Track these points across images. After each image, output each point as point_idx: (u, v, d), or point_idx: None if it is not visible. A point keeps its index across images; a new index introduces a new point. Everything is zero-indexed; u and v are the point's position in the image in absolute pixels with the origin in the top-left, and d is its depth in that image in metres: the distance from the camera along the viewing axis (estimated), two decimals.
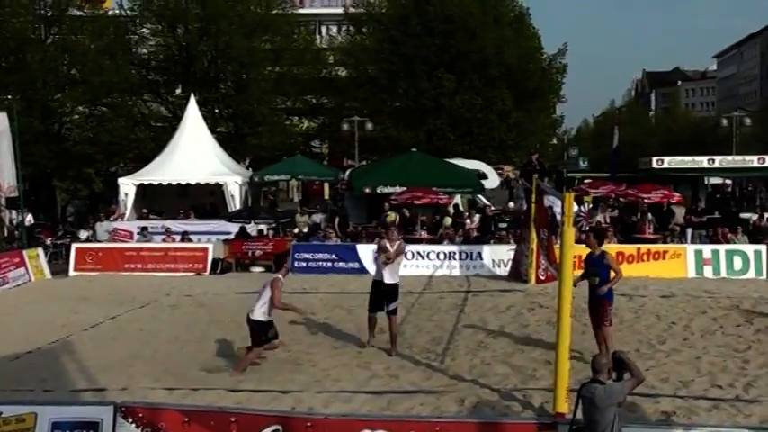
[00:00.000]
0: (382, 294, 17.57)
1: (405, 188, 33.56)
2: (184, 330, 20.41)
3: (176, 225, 35.41)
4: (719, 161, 43.76)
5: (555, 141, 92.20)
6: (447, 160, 41.85)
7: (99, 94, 48.51)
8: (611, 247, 28.34)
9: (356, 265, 29.97)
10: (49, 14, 48.81)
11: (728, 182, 51.88)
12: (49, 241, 35.52)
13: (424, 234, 32.22)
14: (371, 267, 28.44)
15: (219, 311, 22.86)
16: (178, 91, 54.38)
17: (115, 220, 37.33)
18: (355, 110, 55.18)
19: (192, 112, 41.79)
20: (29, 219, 38.86)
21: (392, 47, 53.15)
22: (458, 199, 37.09)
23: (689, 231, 32.78)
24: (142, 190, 38.94)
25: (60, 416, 11.33)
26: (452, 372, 15.79)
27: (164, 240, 33.45)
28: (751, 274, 28.43)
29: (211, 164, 39.60)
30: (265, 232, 34.12)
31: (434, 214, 34.83)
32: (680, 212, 33.48)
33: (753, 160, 43.97)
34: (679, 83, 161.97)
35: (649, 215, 31.59)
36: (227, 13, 51.46)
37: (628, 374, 9.84)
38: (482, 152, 51.52)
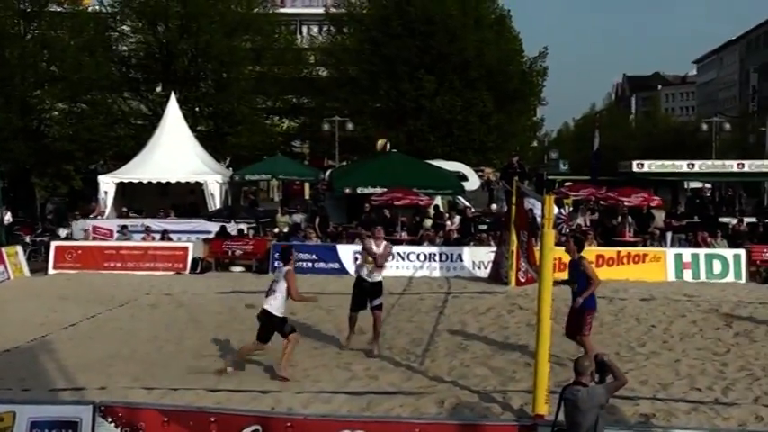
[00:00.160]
0: (365, 292, 17.50)
1: (385, 189, 33.55)
2: (164, 330, 20.33)
3: (156, 224, 35.29)
4: (699, 165, 44.04)
5: (535, 144, 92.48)
6: (427, 161, 41.86)
7: (78, 91, 48.27)
8: (592, 250, 28.52)
9: (336, 265, 29.95)
10: (28, 10, 48.44)
11: (708, 186, 52.10)
12: (28, 239, 35.34)
13: (404, 235, 32.22)
14: (352, 268, 28.58)
15: (199, 311, 22.83)
16: (158, 89, 54.19)
17: (95, 218, 37.17)
18: (336, 110, 55.19)
19: (173, 111, 41.64)
20: (8, 216, 38.61)
21: (373, 47, 53.17)
22: (438, 200, 37.14)
23: (668, 235, 32.88)
24: (122, 188, 38.76)
25: (39, 415, 11.25)
26: (432, 373, 15.79)
27: (143, 239, 33.32)
28: (730, 277, 28.60)
29: (192, 163, 39.47)
30: (245, 232, 34.04)
31: (414, 215, 34.85)
32: (660, 216, 33.59)
33: (732, 165, 44.33)
34: (659, 87, 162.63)
35: (629, 218, 31.68)
36: (208, 12, 51.38)
37: (610, 377, 9.85)
38: (462, 154, 51.60)
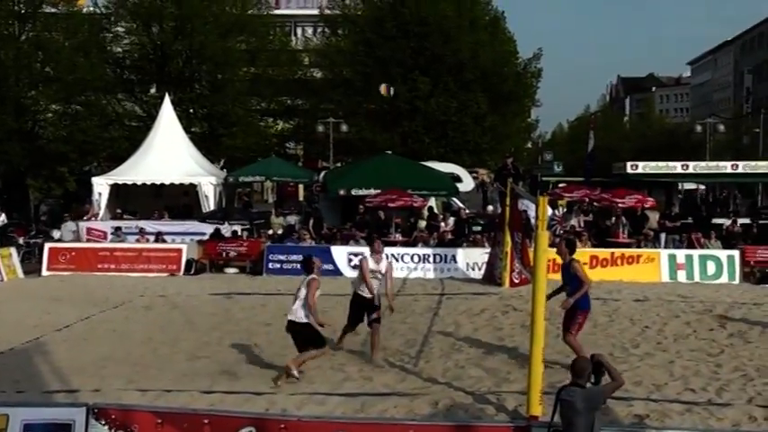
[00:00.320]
0: (364, 307, 17.23)
1: (379, 190, 33.54)
2: (158, 331, 20.31)
3: (150, 225, 35.27)
4: (693, 167, 44.08)
5: (530, 145, 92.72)
6: (422, 163, 41.84)
7: (73, 92, 48.20)
8: (586, 251, 28.61)
9: (330, 266, 29.86)
10: (22, 11, 48.39)
11: (702, 187, 52.23)
12: (21, 240, 35.27)
13: (398, 237, 32.22)
14: (346, 269, 28.64)
15: (193, 312, 22.81)
16: (153, 90, 54.16)
17: (89, 219, 37.12)
18: (330, 111, 55.18)
19: (167, 112, 41.63)
20: (2, 218, 38.61)
21: (367, 49, 53.14)
22: (432, 202, 37.16)
23: (662, 236, 32.92)
24: (116, 189, 38.70)
25: (32, 417, 11.22)
26: (426, 374, 15.78)
27: (137, 241, 33.29)
28: (724, 278, 28.66)
29: (186, 164, 39.45)
30: (240, 233, 34.03)
31: (409, 217, 34.88)
32: (654, 217, 33.65)
33: (726, 166, 44.34)
34: (653, 89, 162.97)
35: (623, 220, 31.71)
36: (203, 13, 51.38)
37: (605, 378, 9.84)
38: (457, 155, 51.56)
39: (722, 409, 13.54)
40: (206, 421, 11.09)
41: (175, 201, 40.25)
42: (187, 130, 45.29)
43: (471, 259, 29.77)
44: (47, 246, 32.01)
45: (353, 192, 35.35)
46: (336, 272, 29.27)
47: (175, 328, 20.70)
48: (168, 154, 39.24)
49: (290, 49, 62.21)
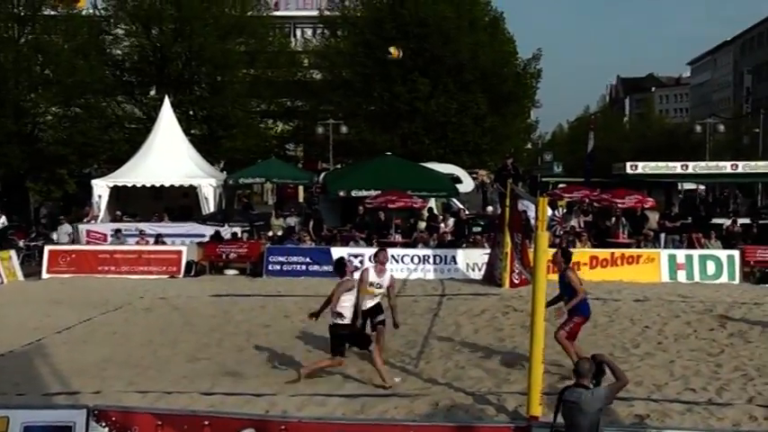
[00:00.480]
0: (368, 313, 16.95)
1: (379, 192, 33.55)
2: (158, 333, 20.31)
3: (150, 227, 35.29)
4: (693, 167, 44.09)
5: (529, 146, 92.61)
6: (421, 164, 41.84)
7: (72, 95, 48.12)
8: (586, 252, 28.67)
9: (330, 268, 29.71)
10: (22, 14, 48.34)
11: (702, 187, 52.21)
12: (21, 243, 35.26)
13: (398, 238, 32.21)
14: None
15: (193, 314, 22.81)
16: (152, 92, 54.10)
17: (89, 221, 37.11)
18: (330, 113, 55.21)
19: (167, 114, 41.64)
20: (2, 220, 38.61)
21: (367, 50, 53.10)
22: (432, 203, 37.17)
23: (662, 236, 32.93)
24: (116, 192, 38.69)
25: (33, 420, 11.23)
26: (426, 375, 15.78)
27: (137, 243, 33.28)
28: (724, 278, 28.69)
29: (185, 166, 39.46)
30: (239, 235, 34.02)
31: (409, 218, 34.88)
32: (654, 217, 33.66)
33: (726, 166, 44.36)
34: (653, 89, 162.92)
35: (623, 220, 31.71)
36: (202, 15, 51.33)
37: (605, 378, 9.82)
38: (457, 156, 51.55)
39: (722, 409, 13.54)
40: (206, 423, 11.10)
41: (175, 203, 40.24)
42: (187, 132, 45.30)
43: (471, 260, 29.78)
44: (47, 248, 32.01)
45: (353, 193, 35.36)
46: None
47: (175, 330, 20.70)
48: (168, 156, 39.25)
49: (289, 51, 62.24)
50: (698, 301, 24.46)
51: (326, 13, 61.09)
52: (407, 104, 52.18)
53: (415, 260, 30.05)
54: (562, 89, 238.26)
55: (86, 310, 23.36)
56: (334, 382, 15.27)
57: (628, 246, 30.66)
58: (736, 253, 29.38)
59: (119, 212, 38.88)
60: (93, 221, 37.14)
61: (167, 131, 40.81)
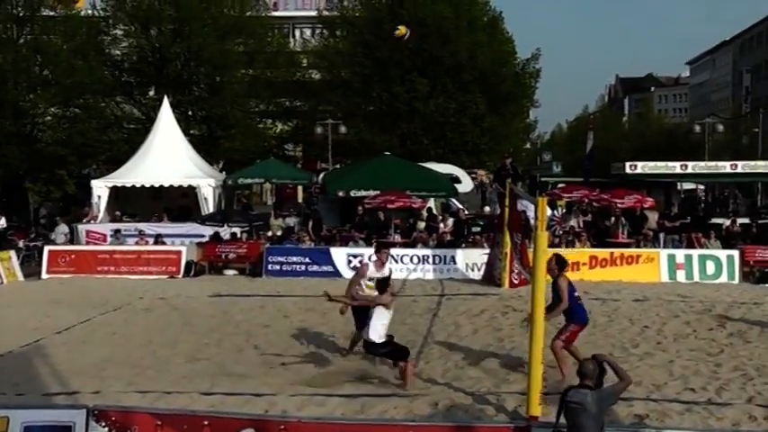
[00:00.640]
0: (364, 312, 17.09)
1: (378, 192, 33.56)
2: (157, 333, 20.31)
3: (149, 228, 35.30)
4: (692, 167, 44.11)
5: (528, 146, 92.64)
6: (421, 164, 41.85)
7: (71, 95, 48.11)
8: (585, 252, 28.70)
9: (330, 268, 29.94)
10: (21, 14, 48.35)
11: (701, 187, 52.21)
12: (21, 243, 35.27)
13: (397, 238, 32.20)
14: (345, 271, 28.59)
15: (193, 315, 22.81)
16: (151, 93, 54.14)
17: (88, 222, 37.11)
18: (329, 113, 55.20)
19: (166, 115, 41.63)
20: (1, 221, 38.62)
21: (366, 50, 53.08)
22: (431, 203, 37.17)
23: (662, 236, 32.93)
24: (115, 192, 38.69)
25: (33, 420, 11.23)
26: (426, 375, 15.77)
27: (137, 243, 33.28)
28: (723, 278, 28.70)
29: (185, 166, 39.46)
30: (239, 235, 34.03)
31: (408, 218, 34.87)
32: (653, 217, 33.67)
33: (725, 166, 44.37)
34: (652, 89, 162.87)
35: (622, 220, 31.72)
36: (201, 16, 51.31)
37: (606, 377, 9.80)
38: (456, 156, 51.56)
39: (722, 409, 13.55)
40: (206, 423, 11.10)
41: (174, 203, 40.25)
42: (186, 132, 45.29)
43: (470, 260, 29.78)
44: (46, 248, 32.03)
45: (352, 193, 35.37)
46: (336, 273, 29.32)
47: (175, 330, 20.70)
48: (167, 156, 39.25)
49: (288, 51, 62.20)
50: (697, 300, 24.47)
51: (325, 13, 61.08)
52: (406, 104, 52.16)
53: (415, 260, 30.05)
54: (561, 89, 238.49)
55: (86, 310, 23.37)
56: (334, 382, 15.25)
57: (627, 246, 30.66)
58: (735, 253, 29.39)
59: (118, 213, 38.90)
60: (92, 222, 37.13)
61: (166, 132, 40.82)
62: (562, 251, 28.67)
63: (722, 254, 29.57)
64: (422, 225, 34.21)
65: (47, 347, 18.57)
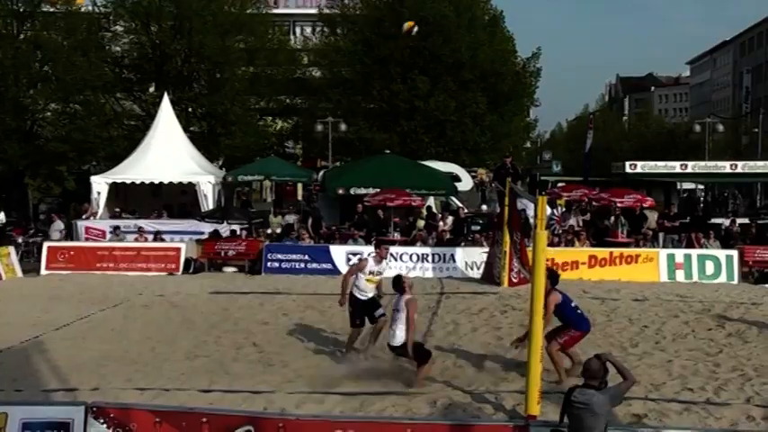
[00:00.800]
0: (366, 307, 17.22)
1: (378, 190, 33.58)
2: (156, 330, 20.31)
3: (149, 224, 35.27)
4: (692, 167, 44.11)
5: (528, 145, 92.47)
6: (420, 162, 41.86)
7: (71, 92, 48.05)
8: (584, 251, 28.72)
9: (329, 266, 29.98)
10: (21, 10, 48.37)
11: (701, 187, 52.24)
12: (20, 239, 35.28)
13: (396, 236, 32.23)
14: (344, 269, 28.47)
15: (192, 311, 22.81)
16: (151, 89, 54.11)
17: (87, 218, 37.09)
18: (329, 111, 55.04)
19: (166, 111, 41.60)
20: (0, 217, 38.60)
21: (366, 48, 53.04)
22: (431, 201, 37.16)
23: (661, 236, 32.93)
24: (115, 188, 38.66)
25: (31, 416, 11.21)
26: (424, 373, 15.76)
27: (136, 240, 33.27)
28: (722, 278, 28.71)
29: (184, 163, 39.43)
30: (238, 232, 34.04)
31: (407, 216, 34.88)
32: (652, 217, 33.67)
33: (725, 166, 44.38)
34: (652, 88, 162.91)
35: (622, 219, 31.73)
36: (201, 12, 51.21)
37: (608, 377, 9.77)
38: (456, 154, 51.56)
39: (720, 409, 13.55)
40: (204, 420, 11.08)
41: (174, 200, 40.24)
42: (186, 129, 45.30)
43: (470, 258, 29.79)
44: (45, 245, 32.04)
45: (352, 191, 35.42)
46: (335, 271, 29.32)
47: (174, 327, 20.71)
48: (167, 153, 39.21)
49: (288, 49, 62.09)
50: (696, 300, 24.49)
51: (326, 10, 61.03)
52: (407, 103, 52.16)
53: (414, 258, 30.06)
54: (561, 88, 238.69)
55: (85, 306, 23.38)
56: (333, 380, 15.25)
57: (626, 245, 30.68)
58: (734, 253, 29.41)
59: (118, 209, 38.87)
60: (91, 218, 37.11)
61: (166, 129, 40.79)
62: (561, 250, 28.98)
63: (721, 254, 29.59)
64: (421, 223, 34.23)
65: (46, 344, 18.56)
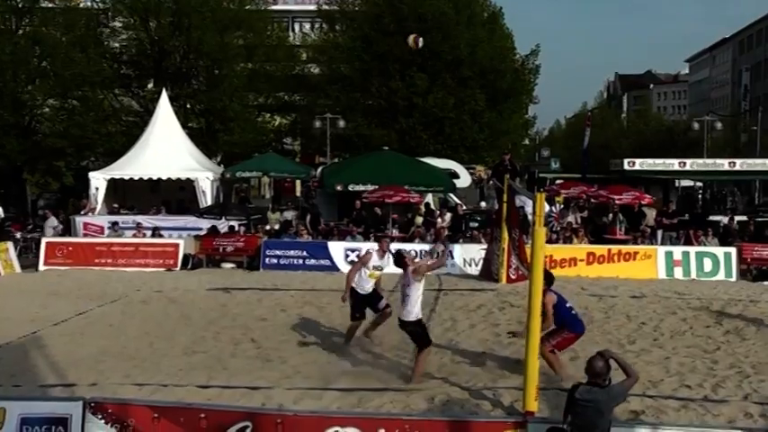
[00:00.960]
0: (367, 300, 17.34)
1: (376, 186, 33.58)
2: (155, 326, 20.32)
3: (147, 220, 35.25)
4: (691, 164, 44.10)
5: (527, 142, 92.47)
6: (419, 159, 41.86)
7: (70, 87, 47.98)
8: (583, 248, 28.74)
9: (327, 262, 29.98)
10: (20, 6, 48.30)
11: (699, 184, 52.22)
12: (19, 235, 35.25)
13: (395, 232, 32.23)
14: (343, 265, 28.62)
15: (190, 307, 22.82)
16: (150, 85, 54.09)
17: (86, 214, 37.07)
18: (328, 107, 55.07)
19: (164, 107, 41.53)
20: None
21: (365, 45, 53.04)
22: (429, 198, 37.16)
23: (659, 233, 32.96)
24: (113, 184, 38.61)
25: (29, 411, 11.23)
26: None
27: (134, 235, 33.26)
28: (721, 275, 28.74)
29: (183, 159, 39.38)
30: (237, 228, 34.04)
31: (406, 213, 34.88)
32: (651, 214, 33.70)
33: (723, 164, 44.41)
34: (651, 86, 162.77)
35: (620, 216, 31.76)
36: (200, 8, 51.18)
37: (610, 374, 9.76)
38: (454, 151, 51.58)
39: (718, 406, 13.57)
40: (202, 416, 11.10)
41: (172, 196, 40.22)
42: (184, 125, 45.25)
43: (468, 255, 29.81)
44: (44, 240, 32.02)
45: (351, 187, 35.41)
46: (333, 267, 29.40)
47: (172, 323, 20.71)
48: (165, 149, 39.17)
49: (287, 45, 62.09)
50: (694, 297, 24.52)
51: (325, 7, 60.97)
52: (405, 99, 52.16)
53: (412, 255, 29.96)
54: (560, 85, 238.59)
55: (83, 302, 23.38)
56: (331, 376, 15.27)
57: (625, 242, 30.74)
58: (732, 250, 29.43)
59: (116, 205, 38.87)
60: (90, 214, 37.08)
61: (165, 125, 40.74)
62: (559, 247, 29.02)
63: (720, 251, 29.62)
64: (419, 220, 34.21)
65: (44, 339, 18.56)
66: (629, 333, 19.43)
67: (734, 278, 28.70)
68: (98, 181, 38.05)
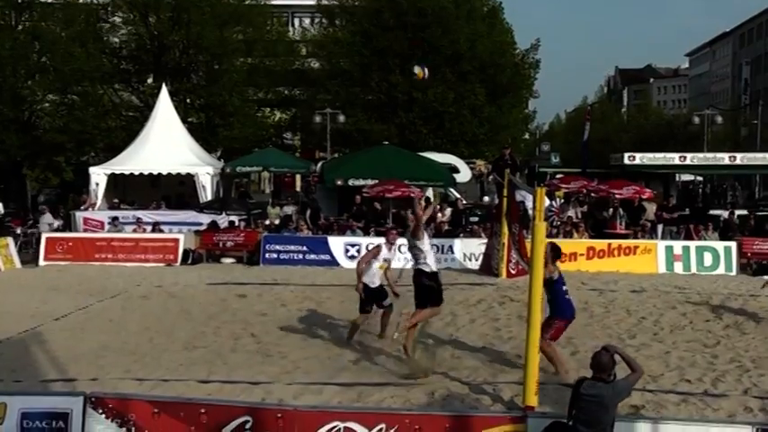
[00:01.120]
0: (375, 294, 17.42)
1: (376, 181, 33.58)
2: (155, 321, 20.31)
3: (147, 215, 35.26)
4: (691, 158, 44.10)
5: (527, 136, 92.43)
6: (419, 154, 41.87)
7: (70, 83, 48.03)
8: (583, 242, 28.74)
9: (327, 257, 29.97)
10: (19, 1, 48.30)
11: (699, 179, 52.23)
12: (19, 230, 35.26)
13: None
14: (343, 260, 28.65)
15: (190, 302, 22.81)
16: (150, 80, 54.11)
17: (86, 209, 37.07)
18: (327, 102, 55.02)
19: (164, 102, 41.56)
20: None
21: (365, 40, 53.01)
22: (429, 192, 37.17)
23: (660, 227, 32.95)
24: (113, 179, 38.65)
25: (30, 406, 11.23)
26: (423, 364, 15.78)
27: (134, 230, 33.26)
28: (721, 270, 28.73)
29: (183, 154, 39.40)
30: (237, 223, 34.05)
31: (406, 207, 34.86)
32: (651, 208, 33.68)
33: (724, 158, 44.40)
34: (651, 80, 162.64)
35: (621, 211, 31.75)
36: (200, 3, 51.16)
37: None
38: (454, 146, 51.60)
39: (718, 400, 13.57)
40: (202, 411, 11.09)
41: (172, 191, 40.24)
42: (184, 120, 45.25)
43: (468, 250, 29.80)
44: (44, 235, 32.00)
45: (350, 182, 35.44)
46: (333, 262, 29.42)
47: (172, 318, 20.71)
48: (165, 144, 39.19)
49: (287, 40, 62.04)
50: (694, 292, 24.50)
51: (324, 2, 60.87)
52: (405, 94, 52.16)
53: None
54: (560, 80, 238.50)
55: (83, 297, 23.39)
56: (331, 371, 15.28)
57: (625, 236, 30.71)
58: (733, 244, 29.43)
59: (116, 200, 38.86)
60: (90, 209, 37.09)
61: (165, 120, 40.76)
62: (560, 242, 28.97)
63: (720, 245, 29.62)
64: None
65: (44, 334, 18.57)
66: (630, 327, 19.42)
67: (734, 272, 28.70)
68: (98, 176, 38.09)
